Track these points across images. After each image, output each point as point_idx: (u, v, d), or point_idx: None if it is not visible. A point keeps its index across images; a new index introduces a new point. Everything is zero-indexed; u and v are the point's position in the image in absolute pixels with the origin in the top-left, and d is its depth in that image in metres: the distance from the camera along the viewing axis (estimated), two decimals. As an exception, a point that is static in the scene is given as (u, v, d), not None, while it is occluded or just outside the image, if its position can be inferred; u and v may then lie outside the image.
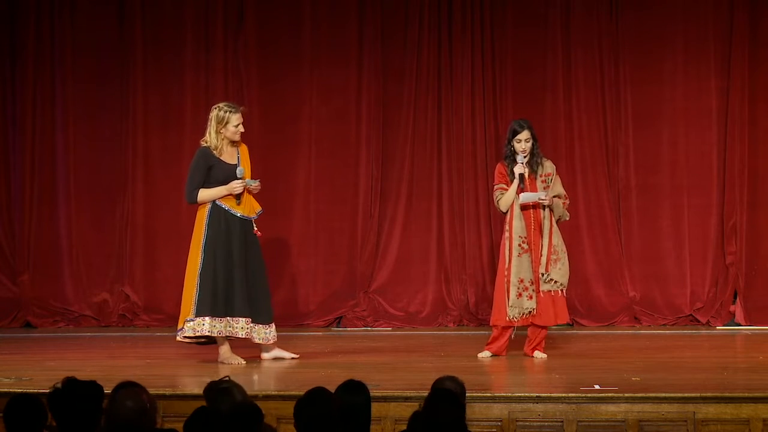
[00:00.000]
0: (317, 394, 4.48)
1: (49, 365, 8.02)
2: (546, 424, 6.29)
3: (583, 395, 6.34)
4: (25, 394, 4.49)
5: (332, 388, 4.91)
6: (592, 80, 10.48)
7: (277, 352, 8.14)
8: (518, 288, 8.01)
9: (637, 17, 10.45)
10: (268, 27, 10.78)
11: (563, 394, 6.36)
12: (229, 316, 7.89)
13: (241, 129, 8.07)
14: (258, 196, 8.10)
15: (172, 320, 10.66)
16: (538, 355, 8.14)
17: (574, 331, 10.15)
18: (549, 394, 6.38)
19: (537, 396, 6.37)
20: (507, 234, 8.08)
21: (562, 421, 6.26)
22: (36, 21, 10.92)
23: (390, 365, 8.01)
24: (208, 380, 7.14)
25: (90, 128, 10.91)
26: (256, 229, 8.02)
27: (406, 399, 6.20)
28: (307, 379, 7.46)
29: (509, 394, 6.40)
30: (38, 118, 10.92)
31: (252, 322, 7.93)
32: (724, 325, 10.19)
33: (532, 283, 8.04)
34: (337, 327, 10.57)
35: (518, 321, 8.05)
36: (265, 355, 8.11)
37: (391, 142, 10.65)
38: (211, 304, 7.85)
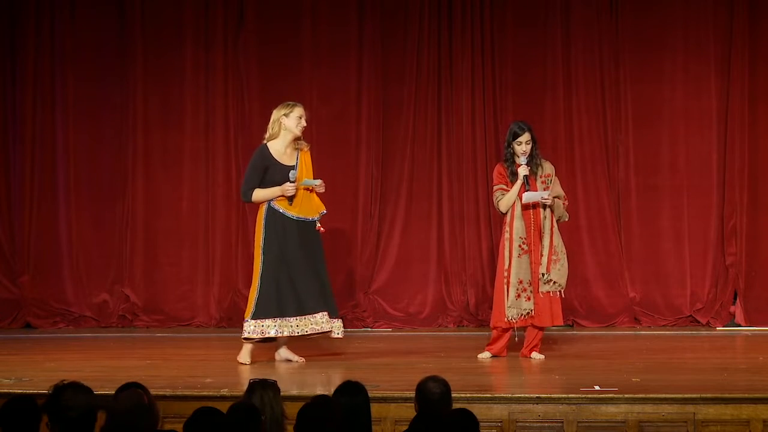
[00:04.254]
0: (321, 402, 4.48)
1: (49, 366, 8.02)
2: (546, 424, 6.30)
3: (584, 396, 6.35)
4: (21, 395, 4.49)
5: (332, 389, 4.92)
6: (592, 80, 10.48)
7: (288, 354, 8.15)
8: (517, 289, 8.03)
9: (637, 17, 10.45)
10: (268, 27, 10.78)
11: (563, 395, 6.37)
12: (289, 316, 7.93)
13: (304, 123, 8.10)
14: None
15: (172, 321, 10.71)
16: (536, 356, 8.15)
17: (574, 332, 10.15)
18: (549, 395, 6.39)
19: (537, 397, 6.37)
20: (507, 235, 8.09)
21: (562, 422, 6.27)
22: (36, 21, 10.91)
23: (390, 366, 8.01)
24: (209, 380, 7.17)
25: (90, 128, 10.91)
26: (319, 225, 8.06)
27: (406, 400, 6.19)
28: (307, 379, 7.48)
29: (509, 395, 6.41)
30: (38, 118, 10.91)
31: (329, 317, 8.00)
32: (724, 326, 10.19)
33: (531, 284, 8.05)
34: (337, 327, 10.56)
35: (517, 322, 8.06)
36: (278, 357, 8.15)
37: (391, 142, 10.65)
38: (271, 306, 7.90)
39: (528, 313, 8.04)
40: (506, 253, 8.08)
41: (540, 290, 8.06)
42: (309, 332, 7.97)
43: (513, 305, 8.03)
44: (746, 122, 10.29)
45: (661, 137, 10.44)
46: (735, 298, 10.28)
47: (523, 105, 10.49)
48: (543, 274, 8.03)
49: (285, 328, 7.92)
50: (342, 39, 10.71)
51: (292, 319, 7.93)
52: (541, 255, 8.05)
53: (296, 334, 7.97)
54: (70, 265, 10.86)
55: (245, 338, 7.98)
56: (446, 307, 10.49)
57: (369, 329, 10.45)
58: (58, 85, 10.91)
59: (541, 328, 8.19)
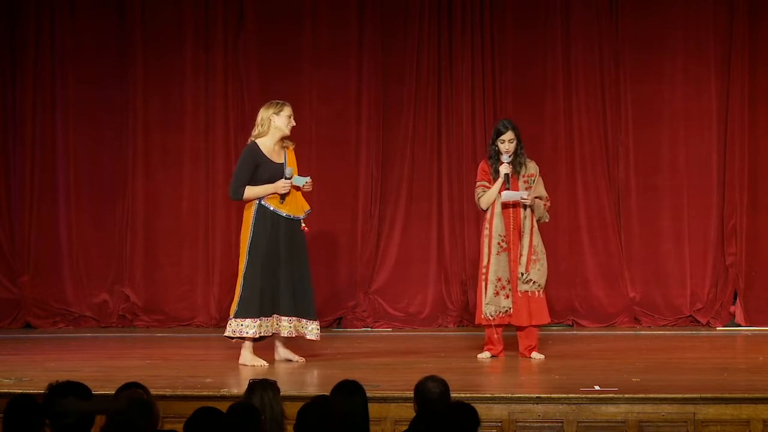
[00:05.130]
0: (320, 402, 4.49)
1: (49, 366, 8.02)
2: (546, 424, 6.30)
3: (583, 396, 6.35)
4: (25, 395, 4.49)
5: (331, 389, 4.91)
6: (592, 80, 10.48)
7: (288, 354, 8.15)
8: (496, 286, 8.06)
9: (637, 18, 10.46)
10: (268, 27, 10.78)
11: (563, 395, 6.37)
12: (275, 314, 7.91)
13: (293, 122, 8.07)
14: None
15: (172, 321, 10.71)
16: (536, 356, 8.17)
17: (574, 332, 10.15)
18: (549, 395, 6.39)
19: (537, 397, 6.37)
20: (486, 232, 8.14)
21: (562, 422, 6.27)
22: (36, 21, 10.91)
23: (390, 366, 8.01)
24: (209, 380, 7.18)
25: (90, 128, 10.91)
26: (304, 225, 8.03)
27: (407, 400, 6.18)
28: (307, 379, 7.48)
29: (509, 395, 6.41)
30: (38, 118, 10.91)
31: (301, 319, 7.97)
32: (724, 326, 10.20)
33: (509, 282, 8.08)
34: (338, 328, 10.57)
35: (494, 319, 8.07)
36: (278, 357, 8.14)
37: (391, 143, 10.65)
38: (252, 306, 7.87)
39: (506, 311, 8.06)
40: (485, 251, 8.13)
41: (518, 289, 8.07)
42: (272, 334, 7.96)
43: (491, 302, 8.06)
44: (746, 123, 10.30)
45: (661, 138, 10.45)
46: (735, 298, 10.28)
47: (523, 105, 10.49)
48: (522, 274, 8.05)
49: (263, 328, 7.89)
50: (342, 40, 10.71)
51: (270, 318, 7.92)
52: (521, 254, 8.08)
53: (269, 334, 7.95)
54: (70, 265, 10.86)
55: (227, 336, 7.97)
56: (446, 307, 10.49)
57: (369, 329, 10.46)
58: (58, 86, 10.90)
59: (522, 328, 8.18)
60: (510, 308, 8.06)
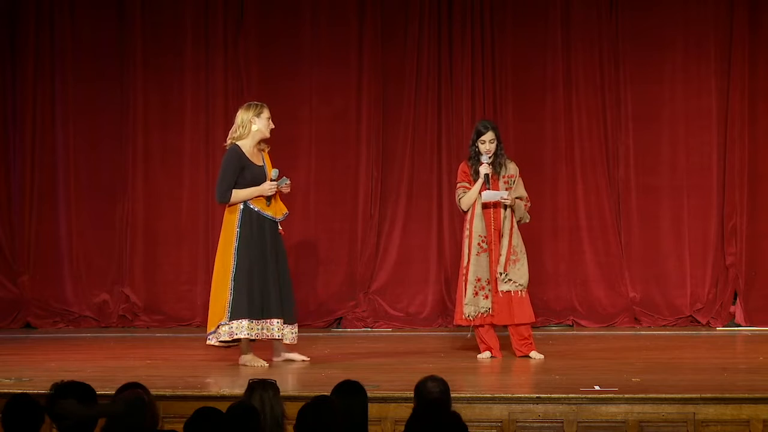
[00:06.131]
0: (320, 402, 4.48)
1: (50, 366, 8.02)
2: (546, 424, 6.29)
3: (584, 396, 6.35)
4: (24, 395, 4.49)
5: (332, 389, 4.91)
6: (592, 80, 10.48)
7: (289, 354, 8.14)
8: (475, 287, 8.07)
9: (637, 17, 10.45)
10: (268, 27, 10.79)
11: (563, 395, 6.37)
12: (265, 318, 7.89)
13: (272, 124, 8.05)
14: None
15: (172, 321, 10.71)
16: (535, 355, 8.17)
17: (574, 332, 10.15)
18: (549, 395, 6.38)
19: (537, 397, 6.37)
20: (467, 233, 8.15)
21: (562, 422, 6.27)
22: (36, 21, 10.92)
23: (390, 366, 8.01)
24: (210, 380, 7.18)
25: (90, 128, 10.91)
26: (281, 228, 8.02)
27: (406, 400, 6.19)
28: (307, 379, 7.48)
29: (509, 395, 6.41)
30: (38, 117, 10.92)
31: (284, 323, 7.95)
32: (724, 326, 10.19)
33: (489, 282, 8.09)
34: (337, 328, 10.57)
35: (474, 320, 8.08)
36: (276, 359, 8.12)
37: (391, 142, 10.65)
38: (248, 307, 7.82)
39: (486, 311, 8.07)
40: (465, 251, 8.13)
41: (499, 289, 8.08)
42: (263, 338, 7.93)
43: (470, 302, 8.07)
44: (746, 122, 10.30)
45: (661, 137, 10.45)
46: (735, 298, 10.28)
47: (523, 105, 10.50)
48: (500, 273, 8.06)
49: (255, 331, 7.87)
50: (342, 38, 10.71)
51: (260, 321, 7.89)
52: (500, 254, 8.07)
53: (259, 337, 7.92)
54: (70, 265, 10.86)
55: (222, 341, 7.87)
56: (446, 307, 10.48)
57: (369, 329, 10.45)
58: (58, 84, 10.91)
59: (508, 325, 8.19)
60: (489, 309, 8.07)
